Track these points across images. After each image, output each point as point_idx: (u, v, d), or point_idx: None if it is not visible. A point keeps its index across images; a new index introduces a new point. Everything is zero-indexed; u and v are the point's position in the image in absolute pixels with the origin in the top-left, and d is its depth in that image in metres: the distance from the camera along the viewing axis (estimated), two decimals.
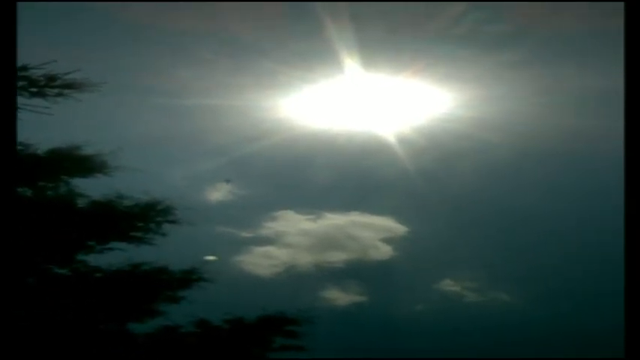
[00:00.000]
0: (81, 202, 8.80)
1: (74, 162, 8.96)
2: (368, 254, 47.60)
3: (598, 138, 62.02)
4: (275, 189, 57.76)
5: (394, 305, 38.36)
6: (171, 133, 57.93)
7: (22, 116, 8.01)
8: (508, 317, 36.96)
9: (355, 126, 66.10)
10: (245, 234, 48.89)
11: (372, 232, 50.92)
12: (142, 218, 8.97)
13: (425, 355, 30.39)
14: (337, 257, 46.29)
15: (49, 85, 8.11)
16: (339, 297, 39.96)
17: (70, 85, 8.22)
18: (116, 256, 8.62)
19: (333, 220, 52.55)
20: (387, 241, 49.44)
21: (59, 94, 8.22)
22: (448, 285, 42.10)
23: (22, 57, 7.94)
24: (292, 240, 49.00)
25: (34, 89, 8.04)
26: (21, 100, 7.94)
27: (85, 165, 9.06)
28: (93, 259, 8.52)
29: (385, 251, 48.16)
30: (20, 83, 7.92)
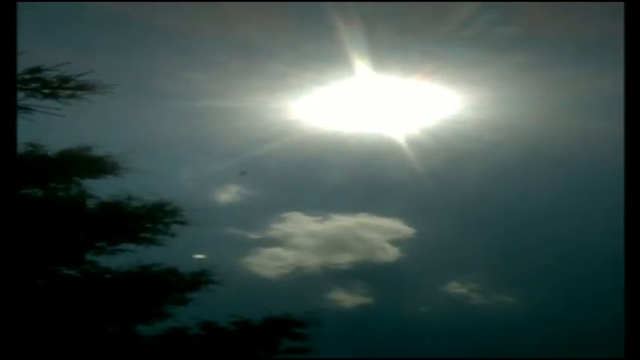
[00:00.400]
0: (90, 204, 8.87)
1: (85, 163, 9.03)
2: (375, 256, 47.58)
3: (607, 141, 61.69)
4: (284, 190, 57.84)
5: (400, 307, 38.34)
6: (182, 135, 58.06)
7: (34, 117, 8.10)
8: (514, 319, 36.89)
9: (365, 128, 66.11)
10: (253, 235, 48.94)
11: (379, 233, 50.87)
12: (150, 219, 9.03)
13: (431, 356, 30.38)
14: (344, 259, 46.28)
15: (62, 87, 8.18)
16: (345, 299, 39.97)
17: (83, 87, 8.29)
18: (126, 257, 8.68)
19: (341, 222, 52.53)
20: (395, 242, 49.38)
21: (72, 96, 8.29)
22: (454, 287, 42.03)
23: (36, 59, 8.03)
24: (299, 241, 49.01)
25: (47, 91, 8.12)
26: (34, 102, 8.03)
27: (96, 166, 9.13)
28: (102, 261, 8.59)
29: (392, 253, 48.10)
30: (33, 85, 8.00)
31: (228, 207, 53.65)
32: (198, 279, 8.79)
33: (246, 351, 8.52)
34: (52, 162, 8.78)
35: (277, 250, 47.18)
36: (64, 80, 8.17)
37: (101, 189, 9.10)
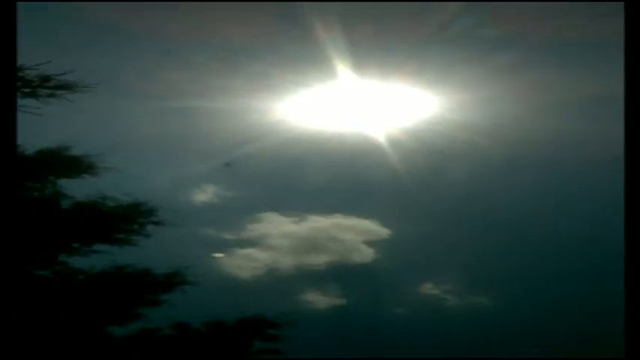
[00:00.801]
0: (65, 203, 8.85)
1: (62, 163, 9.01)
2: (350, 257, 47.70)
3: (585, 141, 62.72)
4: (262, 191, 57.76)
5: (375, 308, 38.46)
6: (163, 135, 57.78)
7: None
8: (488, 321, 37.19)
9: (346, 129, 66.38)
10: (228, 236, 48.83)
11: (354, 234, 51.03)
12: (125, 219, 9.03)
13: (405, 357, 30.58)
14: (319, 260, 46.34)
15: (43, 86, 8.16)
16: (319, 300, 40.03)
17: (63, 86, 8.27)
18: (99, 258, 8.67)
19: (317, 223, 52.61)
20: (370, 243, 49.55)
21: (52, 95, 8.27)
22: (429, 288, 42.28)
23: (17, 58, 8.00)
24: (275, 242, 48.99)
25: (27, 90, 8.09)
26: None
27: (73, 166, 9.10)
28: (76, 261, 8.56)
29: (367, 254, 48.26)
30: None
31: (205, 207, 53.48)
32: (172, 280, 8.80)
33: (218, 352, 8.55)
34: (29, 161, 8.75)
35: (252, 251, 47.13)
36: (45, 79, 8.16)
37: (78, 189, 9.08)
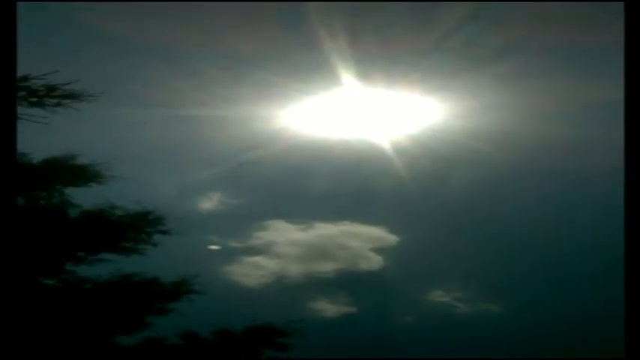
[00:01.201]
0: (72, 212, 8.82)
1: (68, 171, 8.99)
2: (358, 264, 47.54)
3: (591, 149, 62.57)
4: (268, 198, 57.71)
5: (384, 316, 38.30)
6: (168, 143, 57.91)
7: (19, 126, 8.05)
8: (499, 328, 36.97)
9: (351, 136, 66.50)
10: (235, 244, 48.74)
11: (363, 241, 50.86)
12: (132, 228, 9.00)
13: None
14: (327, 267, 46.16)
15: (49, 95, 8.15)
16: (328, 308, 39.87)
17: (70, 96, 8.26)
18: (107, 266, 8.62)
19: (324, 230, 52.48)
20: (378, 251, 49.36)
21: (58, 104, 8.26)
22: (439, 296, 42.08)
23: (22, 66, 7.99)
24: (282, 250, 48.87)
25: (33, 99, 8.09)
26: (20, 110, 7.98)
27: (79, 174, 9.09)
28: (83, 270, 8.52)
29: (375, 261, 48.07)
30: (21, 93, 7.96)
31: (211, 215, 53.45)
32: (180, 288, 8.74)
33: None
34: (36, 170, 8.74)
35: (259, 259, 47.02)
36: (51, 89, 8.15)
37: (85, 197, 9.05)
